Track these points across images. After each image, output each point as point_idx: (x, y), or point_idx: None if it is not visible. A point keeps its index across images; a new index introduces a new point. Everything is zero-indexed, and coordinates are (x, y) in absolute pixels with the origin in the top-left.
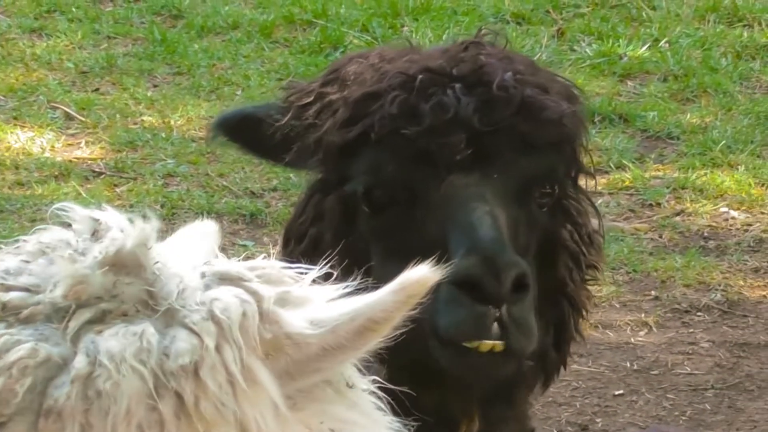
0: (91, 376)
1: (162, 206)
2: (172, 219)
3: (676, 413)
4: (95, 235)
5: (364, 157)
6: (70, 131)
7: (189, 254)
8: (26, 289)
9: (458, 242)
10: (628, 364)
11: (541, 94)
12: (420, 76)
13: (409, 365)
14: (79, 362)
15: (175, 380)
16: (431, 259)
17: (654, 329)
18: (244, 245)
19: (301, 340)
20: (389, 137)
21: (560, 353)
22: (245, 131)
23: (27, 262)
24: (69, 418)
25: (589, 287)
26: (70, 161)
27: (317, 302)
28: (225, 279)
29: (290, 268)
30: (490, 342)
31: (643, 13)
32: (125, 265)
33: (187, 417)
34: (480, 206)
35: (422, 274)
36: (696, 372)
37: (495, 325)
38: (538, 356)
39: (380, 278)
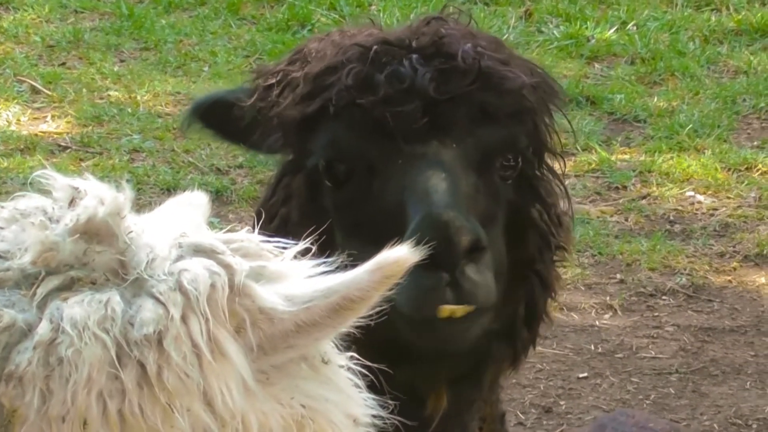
0: (53, 342)
1: (128, 182)
2: (137, 194)
3: (640, 397)
4: (73, 203)
5: (324, 131)
6: (36, 105)
7: (170, 225)
8: None
9: (414, 210)
10: (593, 347)
11: (500, 66)
12: (376, 48)
13: (383, 342)
14: (43, 328)
15: (138, 349)
16: (390, 231)
17: (619, 312)
18: (210, 222)
19: (275, 315)
20: (346, 109)
21: (530, 331)
22: (217, 116)
23: (0, 228)
24: (29, 383)
25: (558, 269)
26: (36, 135)
27: (293, 278)
28: (198, 251)
29: (268, 242)
30: (450, 307)
31: None
32: (97, 233)
33: (149, 387)
34: (435, 174)
35: (399, 255)
36: (660, 356)
37: (447, 290)
38: (508, 333)
39: (345, 255)
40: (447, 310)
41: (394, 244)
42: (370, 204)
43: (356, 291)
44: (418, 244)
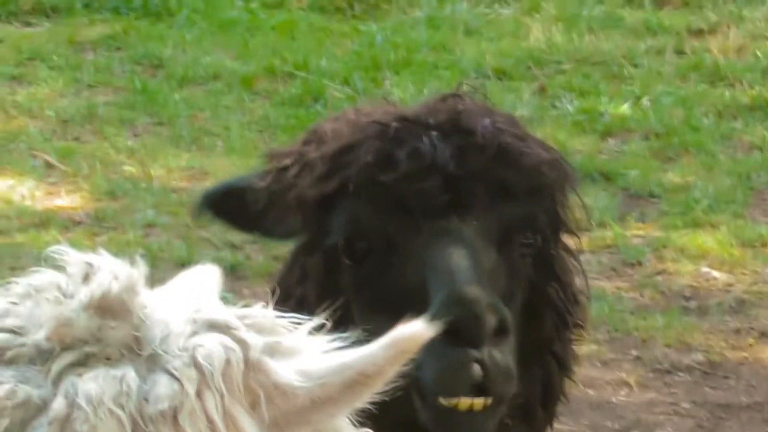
0: (68, 418)
1: (142, 257)
2: (152, 270)
3: None
4: (87, 278)
5: (343, 209)
6: (51, 180)
7: (183, 300)
8: (11, 331)
9: (436, 288)
10: (609, 424)
11: (519, 142)
12: (395, 125)
13: (399, 420)
14: (58, 404)
15: (153, 425)
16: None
17: (635, 389)
18: (224, 297)
19: (290, 390)
20: (366, 186)
21: (547, 412)
22: (229, 204)
23: (15, 303)
24: None
25: (574, 346)
26: (51, 210)
27: (308, 354)
28: (213, 326)
29: (283, 317)
30: (469, 400)
31: (625, 71)
32: (111, 309)
33: None
34: (457, 251)
35: (414, 330)
36: None
37: (476, 366)
38: (525, 414)
39: (364, 332)
40: (466, 403)
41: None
42: (390, 280)
43: (371, 366)
44: (444, 320)
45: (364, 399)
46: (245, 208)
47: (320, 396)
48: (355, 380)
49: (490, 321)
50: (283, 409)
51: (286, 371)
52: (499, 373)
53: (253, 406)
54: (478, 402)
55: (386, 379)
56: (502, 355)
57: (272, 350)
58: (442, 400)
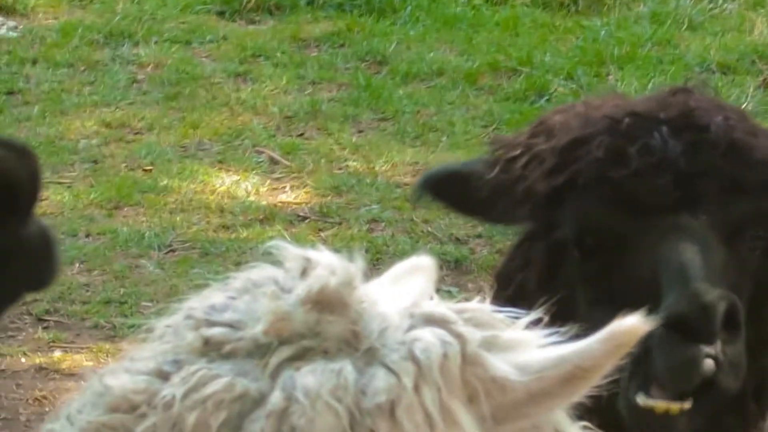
0: (286, 411)
1: (366, 251)
2: (376, 264)
3: None
4: (304, 273)
5: (572, 204)
6: (275, 175)
7: (401, 294)
8: (229, 325)
9: (669, 283)
10: None
11: (750, 138)
12: (626, 120)
13: (616, 412)
14: (275, 397)
15: (370, 418)
16: (641, 303)
17: None
18: (449, 291)
19: (507, 384)
20: (596, 182)
21: (759, 405)
22: (451, 189)
23: (233, 298)
24: None
25: None
26: (275, 205)
27: (525, 348)
28: (430, 320)
29: (500, 311)
30: (665, 404)
31: None
32: (329, 303)
33: None
34: (689, 247)
35: (633, 324)
36: None
37: (708, 361)
38: (738, 407)
39: (588, 325)
40: (662, 407)
41: (631, 312)
42: (620, 276)
43: (589, 360)
44: (677, 314)
45: (581, 393)
46: (468, 194)
47: (537, 390)
48: (573, 374)
49: (720, 315)
50: (501, 402)
51: (503, 365)
52: (731, 368)
53: (471, 400)
54: (674, 407)
55: (604, 373)
56: (734, 350)
57: (489, 344)
58: (639, 400)
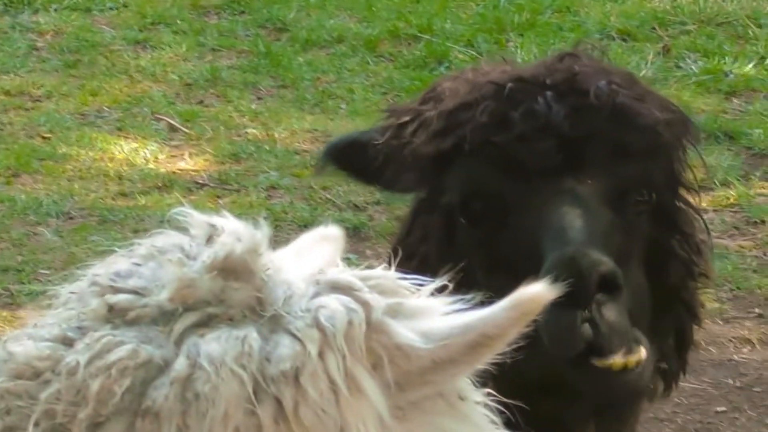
0: (190, 378)
1: (265, 219)
2: (275, 231)
3: None
4: (210, 240)
5: (458, 169)
6: (174, 143)
7: (306, 262)
8: (134, 292)
9: (549, 247)
10: (731, 381)
11: (635, 102)
12: (511, 85)
13: (524, 379)
14: (180, 364)
15: (275, 385)
16: (528, 269)
17: (757, 346)
18: (348, 258)
19: (412, 352)
20: (481, 147)
21: (680, 360)
22: (351, 158)
23: (138, 265)
24: (166, 419)
25: (700, 296)
26: (174, 173)
27: (430, 315)
28: (335, 288)
29: (405, 279)
30: (622, 359)
31: (750, 31)
32: (234, 270)
33: (285, 423)
34: (571, 210)
35: (536, 292)
36: None
37: (586, 326)
38: (659, 363)
39: (486, 292)
40: (620, 363)
41: (530, 280)
42: (506, 241)
43: (493, 328)
44: (553, 281)
45: (485, 360)
46: (367, 162)
47: (442, 357)
48: (477, 341)
49: (594, 278)
50: (405, 370)
51: (407, 332)
52: (610, 331)
53: (375, 368)
54: (632, 359)
55: (508, 340)
56: (613, 312)
57: (394, 312)
58: (596, 362)
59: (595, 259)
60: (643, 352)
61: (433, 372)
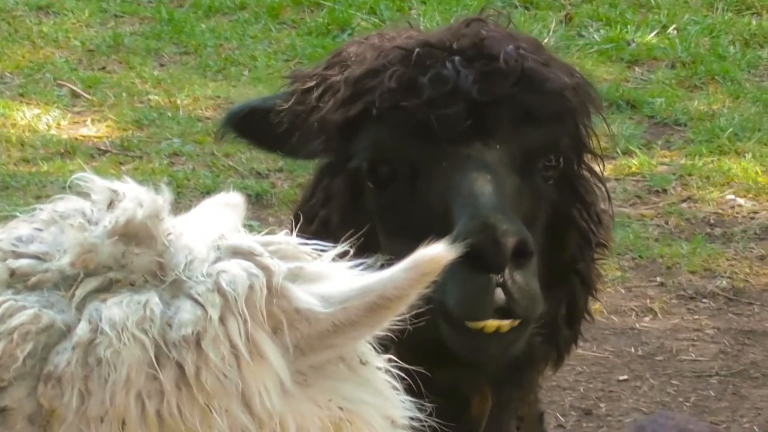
0: (92, 343)
1: (168, 185)
2: (177, 198)
3: (680, 399)
4: (111, 205)
5: (366, 134)
6: (77, 109)
7: (208, 227)
8: (36, 257)
9: (459, 212)
10: (633, 350)
11: (542, 67)
12: (418, 50)
13: (421, 344)
14: (81, 329)
15: (176, 350)
16: (435, 233)
17: (659, 315)
18: (250, 225)
19: (311, 315)
20: (389, 112)
21: (572, 330)
22: (252, 125)
23: (39, 230)
24: (68, 384)
25: (599, 267)
26: (76, 139)
27: (330, 279)
28: (237, 253)
29: (307, 244)
30: (496, 322)
31: (652, 0)
32: (136, 235)
33: (188, 387)
34: (481, 176)
35: (435, 252)
36: (701, 358)
37: (498, 290)
38: (550, 333)
39: (389, 257)
40: (493, 324)
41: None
42: (414, 206)
43: (393, 290)
44: (464, 245)
45: (386, 323)
46: (269, 129)
47: (342, 320)
48: (377, 303)
49: (511, 245)
50: (305, 333)
51: (307, 296)
52: (522, 295)
53: (276, 332)
54: (505, 324)
55: (408, 302)
56: (525, 277)
57: (295, 276)
58: (469, 324)
59: (508, 226)
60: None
61: (334, 335)
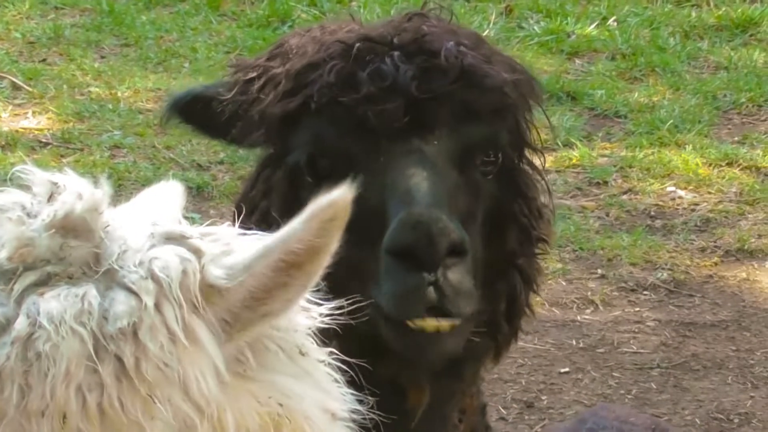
0: (31, 337)
1: (109, 178)
2: (118, 190)
3: (622, 391)
4: (51, 198)
5: (306, 128)
6: (17, 101)
7: (144, 216)
8: None
9: (395, 210)
10: (574, 342)
11: (482, 63)
12: (358, 45)
13: (363, 338)
14: (20, 324)
15: (114, 343)
16: (372, 230)
17: (600, 307)
18: (191, 217)
19: (222, 286)
20: (328, 106)
21: (511, 326)
22: (196, 112)
23: None
24: (7, 379)
25: (539, 261)
26: (17, 131)
27: (238, 251)
28: (169, 238)
29: (245, 234)
30: (435, 322)
31: None
32: (74, 228)
33: (128, 379)
34: (417, 172)
35: (332, 198)
36: (642, 351)
37: (431, 289)
38: (489, 328)
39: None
40: (433, 325)
41: (375, 243)
42: (352, 201)
43: (296, 242)
44: (398, 243)
45: (312, 276)
46: (212, 117)
47: (255, 285)
48: (284, 260)
49: (444, 242)
50: (225, 307)
51: (216, 270)
52: (455, 293)
53: (196, 312)
54: (445, 324)
55: (324, 252)
56: (458, 276)
57: (218, 256)
58: (409, 323)
59: (442, 224)
60: (458, 320)
61: (256, 303)
